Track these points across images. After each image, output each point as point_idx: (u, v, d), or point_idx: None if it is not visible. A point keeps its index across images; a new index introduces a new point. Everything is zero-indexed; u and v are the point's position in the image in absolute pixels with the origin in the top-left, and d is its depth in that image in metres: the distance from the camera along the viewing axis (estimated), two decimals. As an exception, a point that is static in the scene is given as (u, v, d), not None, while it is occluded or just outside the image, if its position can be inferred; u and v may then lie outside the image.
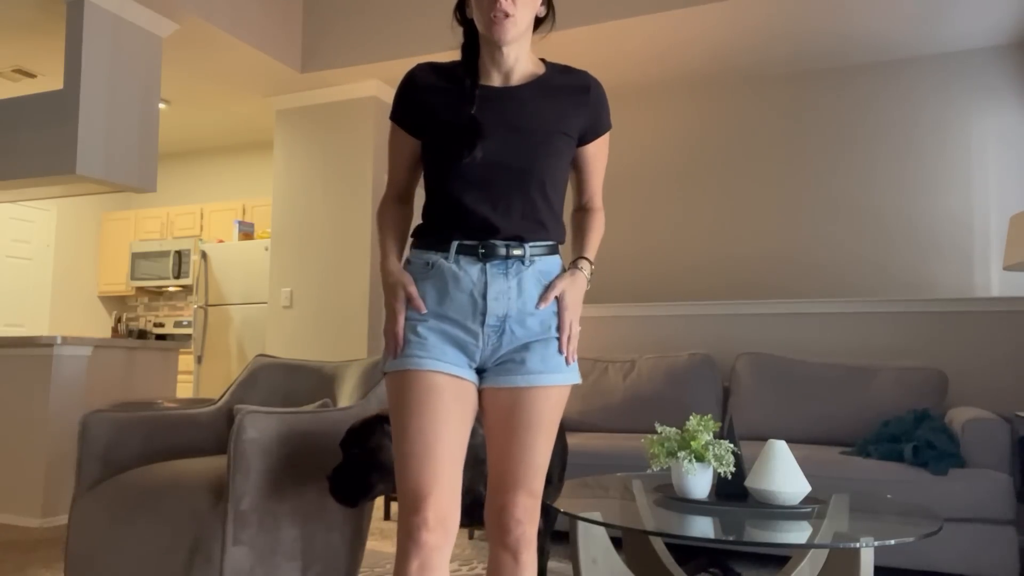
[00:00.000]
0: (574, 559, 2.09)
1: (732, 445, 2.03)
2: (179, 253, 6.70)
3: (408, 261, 1.56)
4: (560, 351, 1.51)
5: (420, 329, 1.49)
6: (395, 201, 1.65)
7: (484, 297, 1.47)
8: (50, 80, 5.30)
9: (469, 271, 1.48)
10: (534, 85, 1.54)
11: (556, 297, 1.51)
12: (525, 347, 1.50)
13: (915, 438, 3.12)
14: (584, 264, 1.59)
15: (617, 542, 3.22)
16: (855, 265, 4.32)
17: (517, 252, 1.49)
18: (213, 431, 2.75)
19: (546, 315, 1.51)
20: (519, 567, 1.52)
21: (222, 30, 4.34)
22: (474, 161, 1.48)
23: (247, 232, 6.29)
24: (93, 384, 4.03)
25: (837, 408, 3.61)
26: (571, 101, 1.55)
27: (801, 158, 4.50)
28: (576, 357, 1.56)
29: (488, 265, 1.48)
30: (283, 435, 2.20)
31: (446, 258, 1.50)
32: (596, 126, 1.59)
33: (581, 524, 2.06)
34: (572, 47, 4.33)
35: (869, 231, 4.31)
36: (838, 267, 4.35)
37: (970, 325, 3.81)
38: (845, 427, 3.57)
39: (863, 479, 3.02)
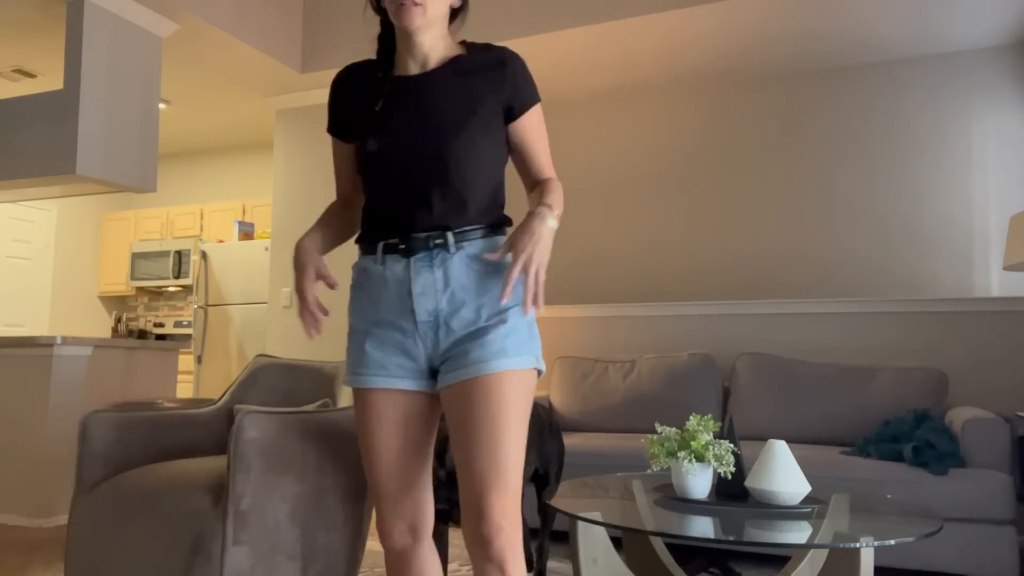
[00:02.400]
0: (574, 559, 2.09)
1: (732, 445, 2.03)
2: (179, 253, 6.70)
3: (353, 271, 1.56)
4: (505, 320, 1.41)
5: (366, 346, 1.48)
6: (338, 206, 1.68)
7: (410, 294, 1.44)
8: (50, 80, 5.30)
9: (395, 269, 1.46)
10: (449, 67, 1.50)
11: (510, 273, 1.37)
12: (465, 338, 1.43)
13: (915, 438, 3.12)
14: (542, 210, 1.42)
15: (617, 542, 3.22)
16: (855, 265, 4.31)
17: (439, 241, 1.43)
18: (213, 431, 2.75)
19: (482, 303, 1.43)
20: None
21: (222, 30, 4.34)
22: (385, 154, 1.46)
23: (247, 232, 6.29)
24: (93, 384, 4.03)
25: (837, 408, 3.61)
26: (485, 77, 1.48)
27: (801, 158, 4.50)
28: (535, 341, 1.45)
29: (412, 260, 1.44)
30: (283, 435, 2.20)
31: (375, 261, 1.49)
32: (519, 99, 1.50)
33: (581, 524, 2.05)
34: (573, 47, 4.33)
35: (869, 231, 4.30)
36: (838, 267, 4.35)
37: (970, 325, 3.81)
38: (845, 427, 3.57)
39: (863, 479, 3.02)
